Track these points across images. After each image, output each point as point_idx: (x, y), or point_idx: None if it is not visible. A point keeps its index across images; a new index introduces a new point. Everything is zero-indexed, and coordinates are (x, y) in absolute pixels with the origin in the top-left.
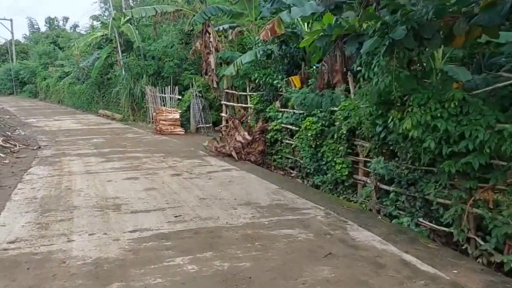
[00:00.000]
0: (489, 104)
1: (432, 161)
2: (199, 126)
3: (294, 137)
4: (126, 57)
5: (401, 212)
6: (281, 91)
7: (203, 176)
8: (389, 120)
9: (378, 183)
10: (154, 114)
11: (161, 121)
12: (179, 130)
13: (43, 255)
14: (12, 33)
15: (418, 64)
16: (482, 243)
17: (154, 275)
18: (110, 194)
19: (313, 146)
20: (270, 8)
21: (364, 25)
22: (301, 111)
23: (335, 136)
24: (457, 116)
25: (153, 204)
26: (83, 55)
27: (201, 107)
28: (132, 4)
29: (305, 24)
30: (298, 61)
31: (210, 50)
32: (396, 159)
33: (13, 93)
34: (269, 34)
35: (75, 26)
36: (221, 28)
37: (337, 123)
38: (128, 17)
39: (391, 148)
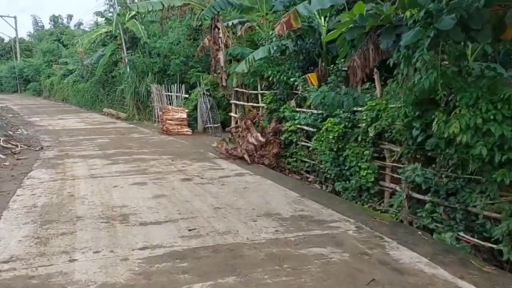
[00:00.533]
0: None
1: (479, 169)
2: (206, 126)
3: (313, 139)
4: (131, 55)
5: (438, 224)
6: (296, 90)
7: (216, 182)
8: (434, 122)
9: (410, 192)
10: (160, 113)
11: (167, 121)
12: (186, 130)
13: (41, 279)
14: (16, 30)
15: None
16: None
17: None
18: (116, 202)
19: (335, 149)
20: (283, 1)
21: (407, 13)
22: (320, 111)
23: (359, 139)
24: None
25: (164, 215)
26: (87, 52)
27: (209, 106)
28: (137, 0)
29: (322, 18)
30: (314, 58)
31: (219, 46)
32: (433, 165)
33: (17, 91)
34: (285, 28)
35: (80, 23)
36: (230, 23)
37: (361, 125)
38: (133, 13)
39: (428, 153)
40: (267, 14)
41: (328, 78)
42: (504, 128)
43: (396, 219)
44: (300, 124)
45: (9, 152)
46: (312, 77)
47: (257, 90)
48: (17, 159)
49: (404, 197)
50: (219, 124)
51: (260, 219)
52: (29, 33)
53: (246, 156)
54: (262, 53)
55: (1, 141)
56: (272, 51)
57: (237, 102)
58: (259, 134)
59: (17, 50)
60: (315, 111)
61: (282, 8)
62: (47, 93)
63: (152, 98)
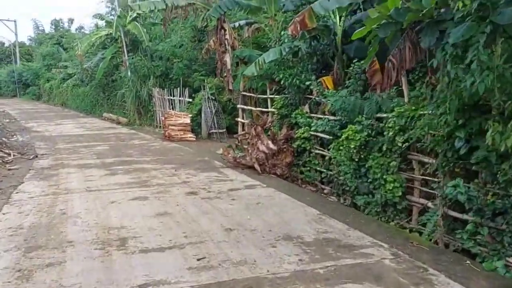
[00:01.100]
0: None
1: None
2: (211, 131)
3: (331, 148)
4: (132, 58)
5: (482, 248)
6: (308, 94)
7: (225, 196)
8: (488, 133)
9: (447, 210)
10: (163, 118)
11: (170, 126)
12: (190, 136)
13: None
14: (16, 34)
15: None
16: None
17: None
18: (113, 222)
19: (356, 159)
20: (294, 1)
21: (459, 4)
22: (337, 117)
23: (384, 148)
24: None
25: (168, 238)
26: (87, 55)
27: (213, 111)
28: (139, 2)
29: (338, 17)
30: (329, 60)
31: (226, 49)
32: (476, 181)
33: (16, 95)
34: (299, 27)
35: (81, 27)
36: (236, 24)
37: (387, 133)
38: (134, 15)
39: (473, 167)
40: (275, 14)
41: (346, 82)
42: None
43: (430, 240)
44: (317, 131)
45: (0, 161)
46: (328, 81)
47: (266, 94)
48: (8, 169)
49: (440, 215)
50: (224, 130)
51: (280, 244)
52: (29, 37)
53: (256, 166)
54: (273, 55)
55: None
56: (284, 53)
57: (245, 107)
58: (270, 142)
59: (16, 54)
60: (331, 117)
61: (293, 8)
62: (46, 97)
63: (154, 103)
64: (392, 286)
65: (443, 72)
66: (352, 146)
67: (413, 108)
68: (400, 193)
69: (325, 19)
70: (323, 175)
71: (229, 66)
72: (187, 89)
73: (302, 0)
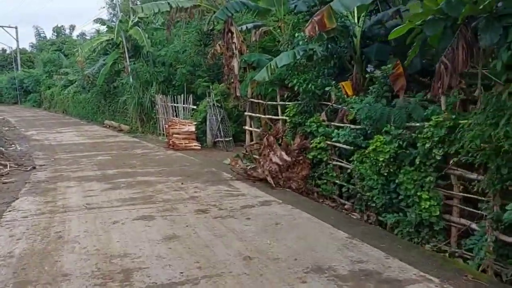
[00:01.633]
0: None
1: None
2: (216, 139)
3: (352, 160)
4: (134, 63)
5: None
6: (324, 100)
7: (238, 214)
8: None
9: (499, 234)
10: (166, 126)
11: (174, 135)
12: (195, 144)
13: None
14: (17, 40)
15: None
16: None
17: None
18: (116, 249)
19: (385, 174)
20: (307, 1)
21: None
22: (361, 127)
23: (417, 162)
24: None
25: (179, 270)
26: (88, 61)
27: (219, 119)
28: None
29: (356, 17)
30: (346, 64)
31: (233, 53)
32: None
33: (18, 102)
34: (317, 28)
35: (82, 34)
36: (243, 28)
37: (421, 145)
38: (136, 20)
39: None
40: (284, 16)
41: (369, 88)
42: None
43: (477, 268)
44: (339, 142)
45: None
46: (347, 86)
47: (277, 101)
48: (3, 183)
49: (490, 240)
50: (231, 138)
51: (311, 279)
52: (31, 44)
53: (269, 179)
54: (286, 59)
55: None
56: (298, 57)
57: (252, 114)
58: (283, 153)
59: (17, 60)
60: (354, 126)
61: (305, 8)
62: (47, 104)
63: (156, 110)
64: None
65: (508, 75)
66: (381, 159)
67: (454, 116)
68: (437, 212)
69: (342, 19)
70: (342, 189)
71: (236, 71)
72: (191, 95)
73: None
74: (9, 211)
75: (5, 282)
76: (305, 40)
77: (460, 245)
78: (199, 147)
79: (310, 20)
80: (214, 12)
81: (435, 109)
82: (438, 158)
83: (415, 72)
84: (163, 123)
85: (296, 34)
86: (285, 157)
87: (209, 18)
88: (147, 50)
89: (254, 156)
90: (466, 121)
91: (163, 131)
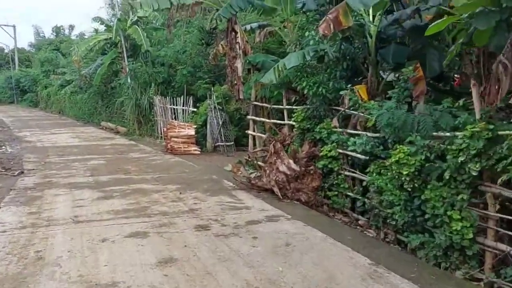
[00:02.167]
0: None
1: None
2: (217, 144)
3: (368, 171)
4: (133, 63)
5: None
6: (335, 105)
7: (243, 232)
8: None
9: None
10: (165, 129)
11: (172, 138)
12: (194, 149)
13: None
14: (15, 39)
15: None
16: None
17: None
18: (103, 275)
19: (409, 189)
20: None
21: None
22: (379, 135)
23: (446, 177)
24: None
25: None
26: (86, 61)
27: (220, 122)
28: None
29: (371, 15)
30: (359, 66)
31: (237, 53)
32: None
33: (14, 102)
34: (332, 27)
35: (82, 34)
36: (248, 27)
37: (452, 157)
38: (136, 19)
39: None
40: (291, 16)
41: (388, 92)
42: None
43: None
44: (355, 151)
45: None
46: (361, 90)
47: (283, 105)
48: None
49: None
50: (232, 143)
51: None
52: (30, 43)
53: (276, 190)
54: (295, 60)
55: None
56: (308, 58)
57: (256, 118)
58: (291, 161)
59: (15, 59)
60: (369, 134)
61: (315, 7)
62: (44, 104)
63: (155, 112)
64: None
65: None
66: (405, 173)
67: (491, 127)
68: (470, 235)
69: (357, 18)
70: (357, 203)
71: (240, 73)
72: (191, 97)
73: None
74: None
75: None
76: (316, 40)
77: (498, 274)
78: (199, 152)
79: (324, 18)
80: (217, 10)
81: (468, 117)
82: (474, 173)
83: (433, 77)
84: (162, 125)
85: (306, 34)
86: (293, 166)
87: (212, 16)
88: (145, 50)
89: (259, 163)
90: (509, 132)
91: (161, 134)
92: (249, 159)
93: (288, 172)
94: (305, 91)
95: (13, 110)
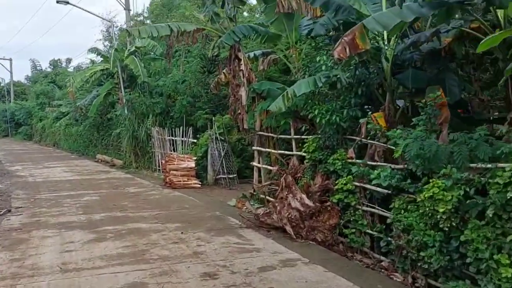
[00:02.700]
0: None
1: None
2: (219, 176)
3: (394, 208)
4: (130, 94)
5: None
6: (349, 134)
7: (257, 281)
8: None
9: None
10: (163, 162)
11: (171, 171)
12: (194, 182)
13: None
14: (11, 72)
15: None
16: None
17: None
18: None
19: (445, 228)
20: (326, 24)
21: None
22: (400, 166)
23: (489, 214)
24: None
25: None
26: (81, 93)
27: (222, 153)
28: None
29: (386, 38)
30: (375, 92)
31: (241, 81)
32: None
33: (8, 135)
34: (348, 50)
35: (79, 67)
36: (251, 54)
37: (496, 192)
38: (133, 49)
39: None
40: (296, 42)
41: (413, 119)
42: None
43: None
44: (380, 185)
45: None
46: (379, 118)
47: (291, 134)
48: None
49: None
50: (235, 175)
51: None
52: (26, 77)
53: (288, 228)
54: (305, 86)
55: None
56: (320, 84)
57: (261, 149)
58: (304, 196)
59: (10, 93)
60: (393, 166)
61: (324, 32)
62: (38, 137)
63: (152, 143)
64: None
65: None
66: (441, 210)
67: None
68: None
69: (372, 41)
70: (380, 242)
71: (244, 102)
72: (190, 128)
73: (338, 19)
74: None
75: None
76: (329, 65)
77: None
78: (199, 185)
79: (339, 41)
80: (220, 36)
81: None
82: None
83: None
84: (159, 158)
85: (318, 59)
86: (307, 201)
87: (214, 43)
88: (142, 80)
89: (267, 198)
90: None
91: (159, 166)
92: (255, 193)
93: (302, 209)
94: (317, 120)
95: (7, 143)
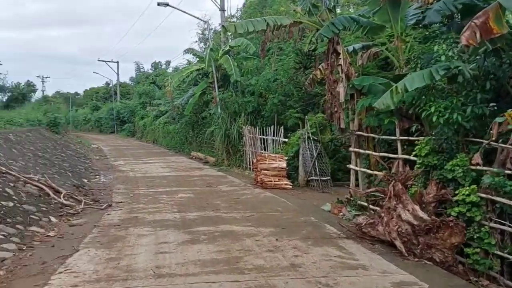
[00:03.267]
0: None
1: None
2: (310, 178)
3: None
4: (223, 93)
5: None
6: (472, 136)
7: None
8: None
9: None
10: (254, 161)
11: (263, 171)
12: (285, 183)
13: None
14: (117, 74)
15: None
16: None
17: None
18: None
19: None
20: (442, 9)
21: None
22: None
23: None
24: None
25: None
26: (179, 92)
27: (315, 154)
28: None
29: None
30: (506, 86)
31: (339, 77)
32: None
33: (114, 131)
34: (478, 35)
35: (176, 68)
36: (350, 49)
37: None
38: (227, 48)
39: None
40: (401, 34)
41: None
42: None
43: None
44: None
45: (65, 212)
46: None
47: (396, 135)
48: (71, 225)
49: None
50: (328, 178)
51: None
52: (131, 78)
53: (398, 244)
54: (419, 80)
55: (62, 195)
56: (437, 77)
57: (360, 151)
58: (417, 207)
59: (117, 93)
60: None
61: (439, 19)
62: (140, 134)
63: (244, 142)
64: None
65: None
66: None
67: None
68: None
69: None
70: (506, 264)
71: (342, 99)
72: (282, 127)
73: (459, 3)
74: (60, 272)
75: None
76: (450, 55)
77: None
78: (290, 186)
79: (467, 25)
80: (317, 30)
81: None
82: None
83: None
84: (250, 156)
85: (435, 48)
86: (421, 214)
87: (311, 37)
88: (235, 79)
89: (371, 206)
90: None
91: (249, 165)
92: (352, 199)
93: (415, 222)
94: (433, 119)
95: (112, 139)
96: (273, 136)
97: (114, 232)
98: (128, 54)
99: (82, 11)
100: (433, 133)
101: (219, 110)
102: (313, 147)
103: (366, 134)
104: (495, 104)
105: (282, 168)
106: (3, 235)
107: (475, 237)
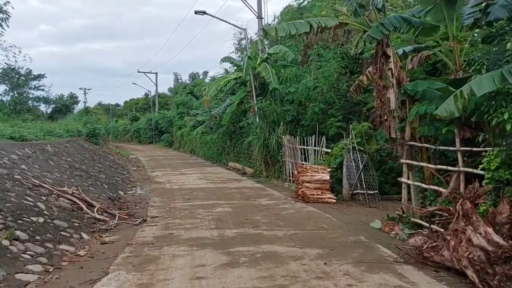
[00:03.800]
0: None
1: None
2: (356, 191)
3: None
4: (261, 102)
5: None
6: None
7: None
8: None
9: None
10: (295, 172)
11: (304, 183)
12: (329, 196)
13: None
14: (156, 84)
15: None
16: None
17: None
18: None
19: None
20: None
21: None
22: None
23: None
24: None
25: None
26: (216, 101)
27: (361, 166)
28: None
29: None
30: None
31: (389, 82)
32: None
33: (152, 142)
34: None
35: (213, 78)
36: (400, 51)
37: None
38: (265, 56)
39: None
40: (457, 34)
41: None
42: None
43: None
44: None
45: (98, 228)
46: None
47: (456, 146)
48: (102, 243)
49: None
50: (376, 191)
51: None
52: (169, 88)
53: (470, 273)
54: (488, 83)
55: (96, 209)
56: (511, 80)
57: (413, 163)
58: (490, 230)
59: (156, 103)
60: None
61: (505, 15)
62: (177, 144)
63: (283, 152)
64: None
65: None
66: None
67: None
68: None
69: None
70: None
71: (392, 106)
72: (324, 137)
73: None
74: None
75: None
76: None
77: None
78: (334, 200)
79: None
80: (364, 31)
81: None
82: None
83: None
84: (290, 167)
85: (509, 45)
86: (496, 238)
87: (358, 39)
88: (273, 87)
89: (432, 226)
90: None
91: (289, 176)
92: (404, 215)
93: (489, 248)
94: (508, 127)
95: (150, 149)
96: (314, 146)
97: (147, 252)
98: (167, 65)
99: (122, 25)
100: (504, 143)
101: (257, 120)
102: (359, 158)
103: (420, 145)
104: None
105: (325, 180)
106: (30, 254)
107: None
